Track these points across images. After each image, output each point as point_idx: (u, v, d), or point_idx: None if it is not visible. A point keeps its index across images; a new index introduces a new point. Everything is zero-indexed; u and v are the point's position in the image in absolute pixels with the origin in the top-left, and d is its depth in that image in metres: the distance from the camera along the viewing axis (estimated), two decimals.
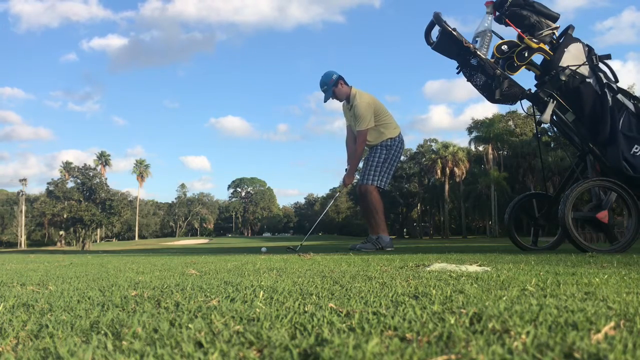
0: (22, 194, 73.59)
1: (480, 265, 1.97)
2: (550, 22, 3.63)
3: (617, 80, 3.65)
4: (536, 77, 3.77)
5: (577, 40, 3.64)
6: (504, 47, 3.56)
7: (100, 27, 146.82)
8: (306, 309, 0.97)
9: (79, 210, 53.67)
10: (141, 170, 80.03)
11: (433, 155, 60.60)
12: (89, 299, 1.23)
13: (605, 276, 1.51)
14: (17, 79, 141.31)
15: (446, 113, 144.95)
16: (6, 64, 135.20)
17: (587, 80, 3.56)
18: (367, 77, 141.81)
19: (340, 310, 0.95)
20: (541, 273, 1.62)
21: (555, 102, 3.58)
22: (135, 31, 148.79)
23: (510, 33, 3.68)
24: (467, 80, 3.72)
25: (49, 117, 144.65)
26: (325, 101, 5.29)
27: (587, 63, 3.58)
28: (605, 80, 3.57)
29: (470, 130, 59.11)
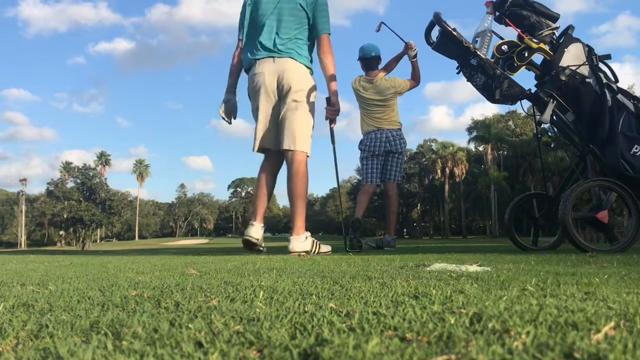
0: (22, 194, 73.55)
1: (480, 265, 1.97)
2: (550, 22, 3.63)
3: (617, 81, 3.65)
4: (536, 77, 3.77)
5: (577, 40, 3.64)
6: (504, 47, 3.56)
7: (109, 30, 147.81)
8: (306, 309, 0.97)
9: (79, 210, 53.66)
10: (141, 170, 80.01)
11: (433, 155, 60.62)
12: (89, 299, 1.23)
13: (606, 276, 1.51)
14: (24, 81, 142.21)
15: (447, 114, 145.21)
16: (14, 67, 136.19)
17: (587, 80, 3.56)
18: None
19: (340, 310, 0.95)
20: (541, 273, 1.62)
21: (555, 102, 3.58)
22: (142, 35, 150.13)
23: (510, 33, 3.68)
24: (467, 81, 3.72)
25: (53, 118, 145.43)
26: (365, 58, 5.63)
27: (587, 63, 3.58)
28: (605, 81, 3.57)
29: (470, 130, 59.10)
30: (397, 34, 5.40)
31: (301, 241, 3.75)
